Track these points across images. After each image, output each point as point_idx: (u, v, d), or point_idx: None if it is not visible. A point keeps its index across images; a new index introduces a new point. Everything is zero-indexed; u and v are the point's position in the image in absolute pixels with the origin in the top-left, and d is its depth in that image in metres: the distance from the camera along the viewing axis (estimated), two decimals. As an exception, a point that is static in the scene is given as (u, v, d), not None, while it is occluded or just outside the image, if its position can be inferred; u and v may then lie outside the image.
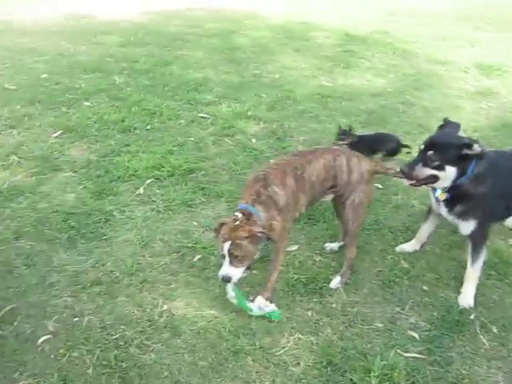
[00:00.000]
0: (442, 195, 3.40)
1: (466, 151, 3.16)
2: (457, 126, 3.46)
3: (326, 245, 3.98)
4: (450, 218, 3.47)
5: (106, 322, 3.24)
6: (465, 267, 3.73)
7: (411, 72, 7.80)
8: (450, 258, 3.92)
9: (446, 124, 3.48)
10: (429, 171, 3.26)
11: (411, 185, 3.42)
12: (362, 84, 7.28)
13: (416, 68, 7.99)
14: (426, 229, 3.89)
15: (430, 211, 3.79)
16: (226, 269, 3.11)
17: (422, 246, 3.96)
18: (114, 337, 3.14)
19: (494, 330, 3.31)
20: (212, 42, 8.85)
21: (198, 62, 7.83)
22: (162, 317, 3.30)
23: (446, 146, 3.24)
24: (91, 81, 6.91)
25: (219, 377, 2.91)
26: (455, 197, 3.37)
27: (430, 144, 3.29)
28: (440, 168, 3.23)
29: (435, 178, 3.29)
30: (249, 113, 6.07)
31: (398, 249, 3.94)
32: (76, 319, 3.25)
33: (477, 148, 3.13)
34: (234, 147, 5.35)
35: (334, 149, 3.67)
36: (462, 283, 3.61)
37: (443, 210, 3.49)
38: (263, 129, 5.78)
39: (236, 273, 3.11)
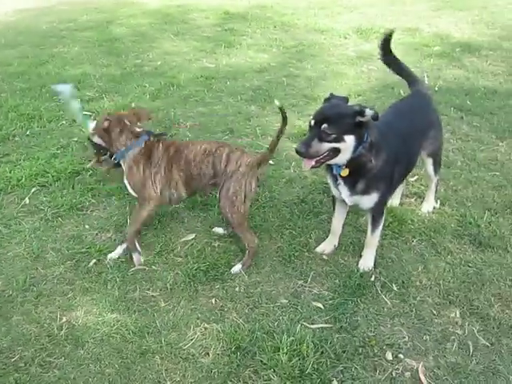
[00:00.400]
0: (344, 171, 3.22)
1: (359, 118, 3.05)
2: (344, 98, 3.38)
3: (214, 229, 3.93)
4: (352, 198, 3.38)
5: (2, 345, 3.05)
6: (361, 231, 3.81)
7: (293, 44, 7.85)
8: (346, 223, 3.94)
9: (332, 97, 3.38)
10: (327, 145, 3.09)
11: (312, 167, 3.18)
12: (246, 61, 7.25)
13: (297, 39, 8.05)
14: (337, 221, 3.74)
15: (334, 202, 3.67)
16: None
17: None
18: (12, 359, 2.97)
19: (395, 288, 3.39)
20: (88, 36, 8.54)
21: (75, 57, 7.54)
22: (61, 330, 3.14)
23: (340, 117, 3.09)
24: (-40, 91, 6.50)
25: (128, 381, 2.81)
26: (355, 172, 3.24)
27: (322, 117, 3.10)
28: (338, 140, 3.08)
29: (334, 153, 3.12)
30: (132, 104, 5.90)
31: (318, 249, 3.73)
32: (-33, 348, 3.05)
33: (369, 112, 3.03)
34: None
35: (223, 143, 3.67)
36: (360, 248, 3.68)
37: (345, 193, 3.37)
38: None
39: None
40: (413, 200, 4.29)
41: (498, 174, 4.64)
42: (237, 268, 3.56)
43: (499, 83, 6.51)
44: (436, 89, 6.29)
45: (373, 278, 3.46)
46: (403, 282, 3.44)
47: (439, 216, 4.08)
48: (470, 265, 3.59)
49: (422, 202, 4.24)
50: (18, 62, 7.40)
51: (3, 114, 5.80)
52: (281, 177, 4.55)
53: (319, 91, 6.18)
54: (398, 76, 4.27)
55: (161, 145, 3.58)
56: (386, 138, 3.30)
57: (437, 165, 4.05)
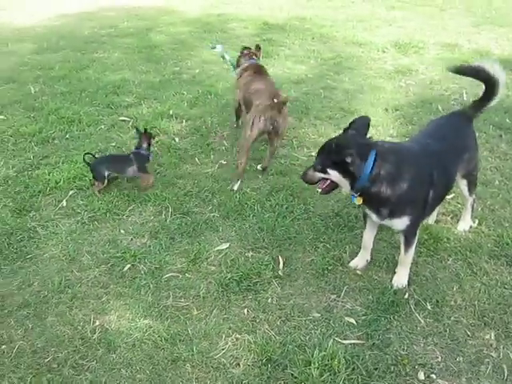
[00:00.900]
0: (358, 199, 3.29)
1: (334, 158, 3.13)
2: (365, 122, 3.32)
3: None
4: (382, 221, 3.39)
5: (36, 345, 3.10)
6: (395, 247, 3.78)
7: (331, 56, 7.85)
8: (380, 239, 3.93)
9: (355, 122, 3.32)
10: (318, 175, 3.27)
11: (322, 193, 3.40)
12: (284, 72, 7.27)
13: (335, 52, 8.05)
14: (368, 236, 3.72)
15: (364, 217, 3.67)
16: None
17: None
18: (46, 360, 3.02)
19: (429, 307, 3.35)
20: (128, 42, 8.66)
21: (114, 63, 7.65)
22: (94, 333, 3.18)
23: (326, 151, 3.20)
24: (4, 92, 6.65)
25: (158, 388, 2.84)
26: (372, 200, 3.28)
27: (320, 148, 3.29)
28: (324, 171, 3.22)
29: (333, 183, 3.26)
30: (170, 112, 5.97)
31: (351, 264, 3.72)
32: (4, 346, 3.10)
33: (348, 159, 3.06)
34: (158, 148, 5.24)
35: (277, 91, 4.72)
36: (394, 264, 3.65)
37: (373, 216, 3.40)
38: (186, 127, 5.69)
39: None
40: (449, 218, 4.24)
41: (537, 194, 4.57)
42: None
43: (540, 102, 6.40)
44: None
45: (406, 296, 3.43)
46: (437, 301, 3.40)
47: (476, 235, 4.03)
48: (507, 286, 3.53)
49: (458, 220, 4.19)
50: (60, 66, 7.53)
51: (44, 116, 5.91)
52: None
53: (356, 104, 6.17)
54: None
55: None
56: (418, 160, 3.28)
57: (472, 185, 3.98)
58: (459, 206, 4.36)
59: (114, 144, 5.34)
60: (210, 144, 5.32)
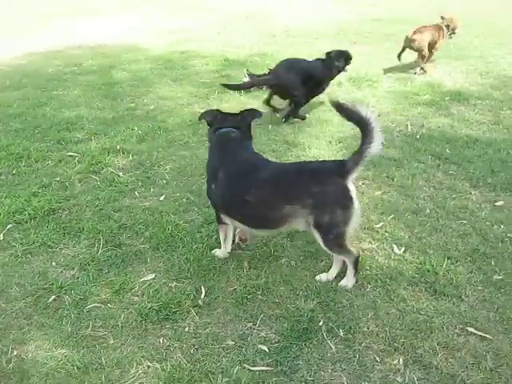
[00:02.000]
0: None
1: None
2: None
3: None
4: None
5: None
6: (316, 274, 3.89)
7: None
8: (304, 268, 4.03)
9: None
10: None
11: None
12: (237, 106, 7.40)
13: (289, 86, 8.21)
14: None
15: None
16: None
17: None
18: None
19: (341, 334, 3.43)
20: (89, 80, 8.81)
21: (72, 100, 7.78)
22: (10, 363, 3.24)
23: None
24: (-41, 130, 6.75)
25: (64, 417, 2.88)
26: None
27: None
28: None
29: None
30: (118, 147, 6.08)
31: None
32: None
33: None
34: (100, 183, 5.34)
35: None
36: (313, 292, 3.75)
37: None
38: (131, 161, 5.80)
39: None
40: (374, 247, 4.34)
41: (465, 222, 4.69)
42: None
43: (482, 132, 6.58)
44: (418, 137, 6.39)
45: (321, 323, 3.51)
46: (350, 328, 3.48)
47: (398, 263, 4.13)
48: (422, 312, 3.62)
49: (385, 249, 4.31)
50: (18, 104, 7.65)
51: (-6, 153, 6.01)
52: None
53: (301, 137, 6.32)
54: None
55: None
56: None
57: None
58: (386, 234, 4.47)
59: (58, 179, 5.43)
60: (151, 177, 5.43)
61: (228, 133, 4.06)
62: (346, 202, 3.50)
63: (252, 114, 4.26)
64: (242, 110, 4.32)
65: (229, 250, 4.19)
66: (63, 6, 16.30)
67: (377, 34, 11.78)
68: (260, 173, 3.72)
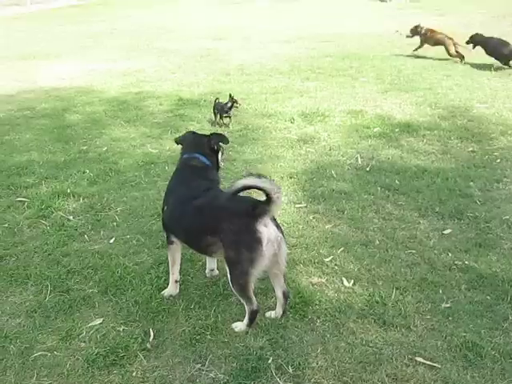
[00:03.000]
0: None
1: None
2: None
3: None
4: None
5: None
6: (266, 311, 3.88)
7: (238, 128, 8.10)
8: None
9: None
10: None
11: None
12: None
13: (243, 124, 8.31)
14: None
15: None
16: None
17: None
18: None
19: (290, 371, 3.43)
20: (42, 123, 8.76)
21: (24, 145, 7.72)
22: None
23: None
24: None
25: None
26: None
27: None
28: None
29: None
30: (68, 190, 6.03)
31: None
32: None
33: None
34: (50, 227, 5.29)
35: None
36: (262, 330, 3.75)
37: None
38: (82, 205, 5.76)
39: None
40: (324, 280, 4.36)
41: (414, 251, 4.76)
42: None
43: (431, 162, 6.73)
44: (368, 169, 6.50)
45: (270, 361, 3.49)
46: (300, 364, 3.47)
47: (347, 296, 4.16)
48: (371, 344, 3.65)
49: (334, 282, 4.34)
50: (-33, 150, 7.57)
51: None
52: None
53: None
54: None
55: None
56: None
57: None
58: (336, 267, 4.51)
59: (6, 225, 5.36)
60: (101, 220, 5.40)
61: (190, 159, 4.26)
62: (252, 243, 3.54)
63: (219, 138, 4.46)
64: (211, 133, 4.58)
65: (177, 278, 4.17)
66: (15, 50, 16.23)
67: (328, 69, 12.01)
68: (196, 201, 3.87)
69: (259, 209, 3.53)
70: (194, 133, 4.62)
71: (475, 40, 11.99)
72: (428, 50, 13.06)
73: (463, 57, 12.25)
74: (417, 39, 13.29)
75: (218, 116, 8.27)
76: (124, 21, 22.17)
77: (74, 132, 8.23)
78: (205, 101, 9.61)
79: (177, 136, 4.93)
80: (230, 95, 8.23)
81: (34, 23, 22.94)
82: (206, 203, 3.82)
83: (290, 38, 16.44)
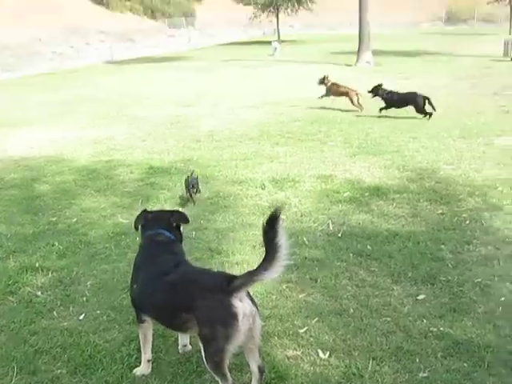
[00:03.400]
0: None
1: None
2: None
3: None
4: None
5: None
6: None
7: (209, 196, 8.10)
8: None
9: None
10: None
11: None
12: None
13: (214, 191, 8.32)
14: None
15: None
16: None
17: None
18: None
19: None
20: (11, 194, 8.67)
21: (-8, 217, 7.61)
22: None
23: None
24: None
25: None
26: None
27: None
28: None
29: None
30: (37, 264, 5.92)
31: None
32: None
33: None
34: (17, 304, 5.15)
35: None
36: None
37: None
38: (51, 279, 5.64)
39: None
40: (299, 353, 4.29)
41: (389, 319, 4.74)
42: None
43: (401, 226, 6.78)
44: (339, 235, 6.52)
45: None
46: None
47: (324, 369, 4.09)
48: (347, 418, 3.56)
49: (310, 354, 4.27)
50: None
51: None
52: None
53: (225, 243, 6.34)
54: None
55: None
56: None
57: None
58: (311, 339, 4.45)
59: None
60: (70, 295, 5.29)
61: (155, 235, 4.21)
62: (227, 319, 3.47)
63: (180, 217, 4.44)
64: (172, 210, 4.64)
65: (149, 357, 4.06)
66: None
67: (297, 133, 12.22)
68: (168, 277, 3.80)
69: (234, 283, 3.48)
70: (150, 211, 4.55)
71: (377, 91, 13.95)
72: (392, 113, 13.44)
73: (363, 108, 14.57)
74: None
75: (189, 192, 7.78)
76: (94, 88, 22.39)
77: (44, 203, 8.14)
78: (175, 168, 9.65)
79: (147, 207, 4.91)
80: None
81: (3, 91, 23.01)
82: (178, 279, 3.77)
83: (259, 103, 16.76)
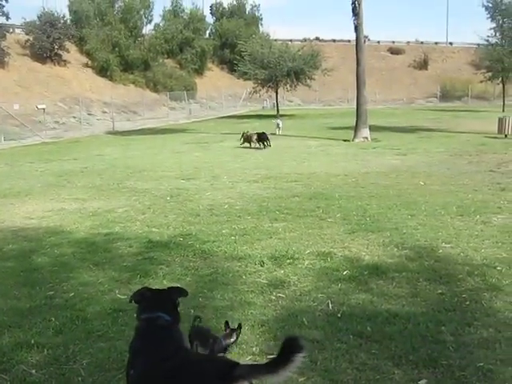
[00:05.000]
0: None
1: None
2: None
3: None
4: None
5: None
6: None
7: (208, 272, 8.07)
8: None
9: None
10: None
11: None
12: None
13: (213, 267, 8.29)
14: None
15: None
16: None
17: None
18: None
19: None
20: (8, 266, 8.64)
21: (-13, 290, 7.55)
22: None
23: None
24: None
25: None
26: None
27: None
28: None
29: None
30: (32, 341, 5.84)
31: None
32: None
33: None
34: (11, 382, 5.06)
35: None
36: None
37: None
38: (46, 356, 5.55)
39: None
40: None
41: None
42: None
43: (402, 306, 6.74)
44: (339, 315, 6.46)
45: None
46: None
47: None
48: None
49: None
50: None
51: None
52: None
53: (223, 322, 6.26)
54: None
55: None
56: None
57: None
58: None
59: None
60: (66, 374, 5.19)
61: (153, 319, 4.09)
62: None
63: (179, 292, 4.40)
64: (169, 287, 4.56)
65: None
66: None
67: (296, 209, 12.27)
68: (169, 364, 3.70)
69: (235, 372, 3.44)
70: (149, 289, 4.49)
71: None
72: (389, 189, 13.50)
73: None
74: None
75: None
76: (95, 160, 22.68)
77: (41, 276, 8.10)
78: (174, 243, 9.64)
79: (145, 282, 4.88)
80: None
81: (5, 160, 23.27)
82: (178, 367, 3.71)
83: (258, 177, 16.96)
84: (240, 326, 5.50)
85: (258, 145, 25.98)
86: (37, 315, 6.59)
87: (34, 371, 5.28)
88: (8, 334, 6.07)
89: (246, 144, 26.19)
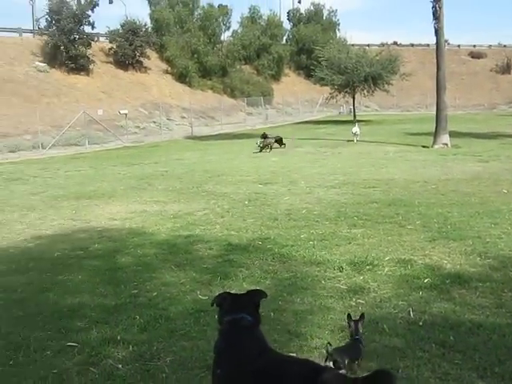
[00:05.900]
0: None
1: None
2: None
3: None
4: None
5: None
6: None
7: (287, 276, 8.11)
8: None
9: None
10: None
11: None
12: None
13: (292, 271, 8.33)
14: None
15: None
16: None
17: None
18: None
19: None
20: (94, 265, 8.98)
21: (76, 286, 7.89)
22: None
23: None
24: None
25: None
26: None
27: None
28: None
29: None
30: (118, 337, 6.06)
31: None
32: None
33: None
34: (99, 376, 5.27)
35: None
36: None
37: None
38: (132, 353, 5.75)
39: None
40: None
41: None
42: None
43: (486, 317, 6.55)
44: (421, 323, 6.36)
45: None
46: None
47: None
48: None
49: None
50: (22, 289, 7.77)
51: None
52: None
53: (304, 327, 6.30)
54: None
55: None
56: None
57: None
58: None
59: (55, 371, 5.38)
60: (151, 370, 5.35)
61: (236, 320, 4.14)
62: None
63: (259, 294, 4.44)
64: (248, 290, 4.64)
65: None
66: (72, 189, 17.06)
67: (374, 216, 12.13)
68: (255, 365, 3.77)
69: (323, 377, 3.45)
70: (229, 293, 4.58)
71: None
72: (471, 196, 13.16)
73: None
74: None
75: None
76: (175, 164, 23.20)
77: (125, 275, 8.37)
78: (253, 247, 9.74)
79: (225, 284, 4.96)
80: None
81: (90, 163, 24.16)
82: (264, 367, 3.76)
83: (336, 183, 16.86)
84: (363, 316, 5.45)
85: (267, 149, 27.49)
86: (122, 312, 6.82)
87: (120, 366, 5.47)
88: (96, 330, 6.31)
89: (299, 148, 26.85)
